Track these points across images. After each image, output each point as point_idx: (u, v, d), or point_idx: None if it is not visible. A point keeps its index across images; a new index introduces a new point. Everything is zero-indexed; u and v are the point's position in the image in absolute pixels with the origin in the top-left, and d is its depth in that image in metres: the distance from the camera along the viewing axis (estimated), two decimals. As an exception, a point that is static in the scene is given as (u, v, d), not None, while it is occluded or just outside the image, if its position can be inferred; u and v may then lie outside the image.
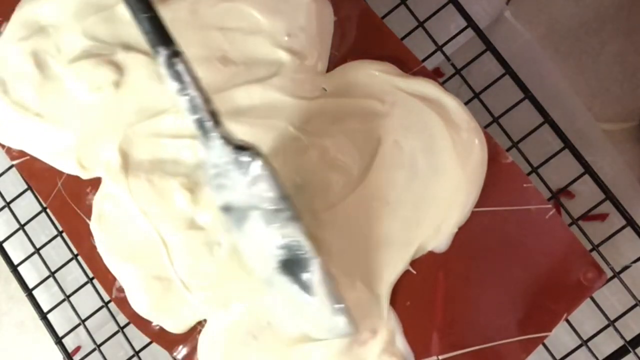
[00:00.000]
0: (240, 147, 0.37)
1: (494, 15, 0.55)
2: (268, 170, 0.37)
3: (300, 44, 0.44)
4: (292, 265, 0.38)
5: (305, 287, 0.38)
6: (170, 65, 0.36)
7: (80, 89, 0.44)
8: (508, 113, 0.46)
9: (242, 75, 0.44)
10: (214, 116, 0.37)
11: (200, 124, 0.37)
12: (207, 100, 0.37)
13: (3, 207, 0.50)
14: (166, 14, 0.38)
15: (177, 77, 0.36)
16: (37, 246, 0.50)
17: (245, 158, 0.37)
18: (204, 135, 0.37)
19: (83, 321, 0.48)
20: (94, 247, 0.44)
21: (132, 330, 0.45)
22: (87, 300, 0.48)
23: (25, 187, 0.49)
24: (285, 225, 0.37)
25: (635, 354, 0.43)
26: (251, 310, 0.42)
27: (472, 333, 0.41)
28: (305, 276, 0.37)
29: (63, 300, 0.49)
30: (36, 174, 0.46)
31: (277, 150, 0.42)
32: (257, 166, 0.37)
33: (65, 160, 0.45)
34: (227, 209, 0.38)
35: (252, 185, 0.37)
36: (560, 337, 0.45)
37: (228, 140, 0.37)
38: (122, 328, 0.47)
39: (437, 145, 0.41)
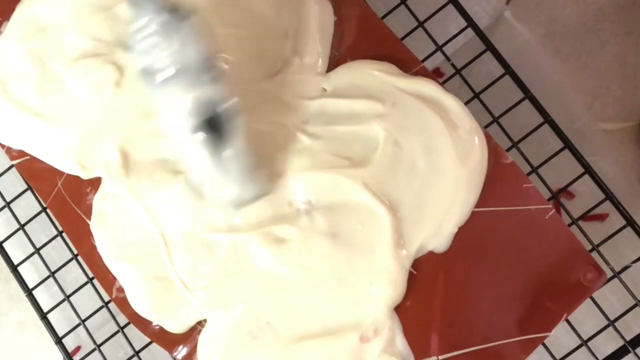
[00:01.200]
0: (174, 8, 0.37)
1: (494, 15, 0.55)
2: (196, 29, 0.37)
3: (300, 43, 0.44)
4: (211, 125, 0.37)
5: (224, 143, 0.38)
6: None
7: (80, 89, 0.44)
8: (508, 113, 0.46)
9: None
10: None
11: None
12: None
13: (3, 207, 0.50)
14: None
15: None
16: (37, 246, 0.50)
17: (177, 18, 0.37)
18: None
19: (83, 321, 0.48)
20: (94, 247, 0.44)
21: (132, 330, 0.45)
22: (87, 300, 0.48)
23: (25, 187, 0.49)
24: (211, 83, 0.37)
25: (635, 354, 0.43)
26: (251, 310, 0.42)
27: (472, 333, 0.41)
28: (224, 133, 0.37)
29: (63, 300, 0.49)
30: (36, 174, 0.46)
31: (277, 151, 0.42)
32: (187, 26, 0.37)
33: (65, 160, 0.45)
34: (148, 72, 0.38)
35: (181, 46, 0.37)
36: (560, 337, 0.45)
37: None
38: (122, 328, 0.47)
39: (437, 145, 0.41)
